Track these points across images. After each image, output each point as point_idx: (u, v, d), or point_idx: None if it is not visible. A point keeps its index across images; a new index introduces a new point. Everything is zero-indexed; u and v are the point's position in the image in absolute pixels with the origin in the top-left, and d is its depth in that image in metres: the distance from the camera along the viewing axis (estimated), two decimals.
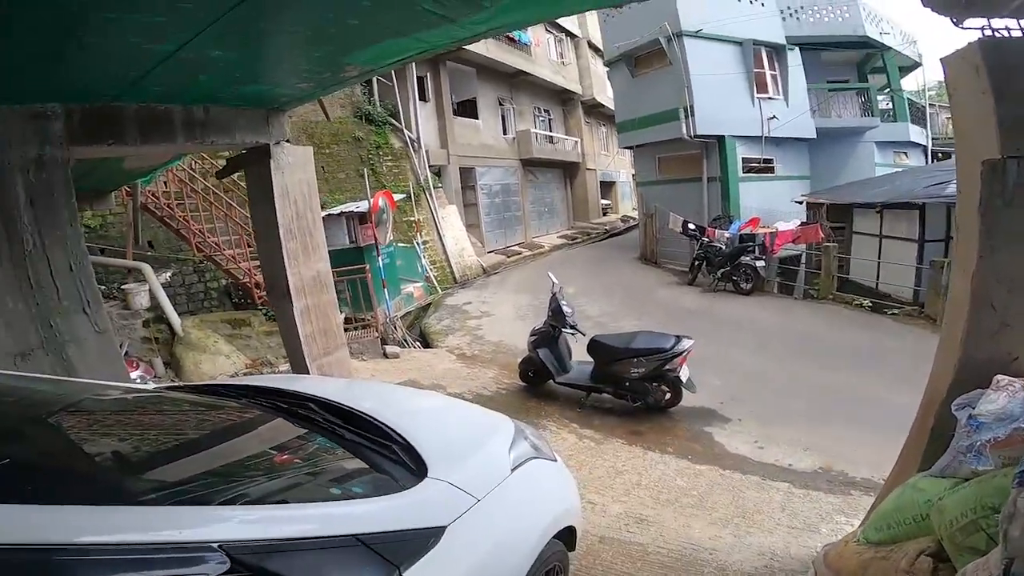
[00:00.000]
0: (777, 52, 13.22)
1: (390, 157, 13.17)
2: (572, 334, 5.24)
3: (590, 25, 21.58)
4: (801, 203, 11.95)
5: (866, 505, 3.13)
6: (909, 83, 18.44)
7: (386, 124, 13.33)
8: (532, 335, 5.47)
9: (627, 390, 4.84)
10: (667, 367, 4.64)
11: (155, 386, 2.28)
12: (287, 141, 3.86)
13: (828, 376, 5.61)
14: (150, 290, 7.14)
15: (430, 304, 10.84)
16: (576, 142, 22.24)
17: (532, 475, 1.88)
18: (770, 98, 13.05)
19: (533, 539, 1.71)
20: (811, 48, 13.59)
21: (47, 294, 2.73)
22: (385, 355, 7.37)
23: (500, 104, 18.29)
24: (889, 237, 9.85)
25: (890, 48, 14.44)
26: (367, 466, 1.62)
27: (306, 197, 4.02)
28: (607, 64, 16.09)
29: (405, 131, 13.52)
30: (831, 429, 4.39)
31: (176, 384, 2.42)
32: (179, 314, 7.27)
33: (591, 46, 22.30)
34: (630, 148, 16.89)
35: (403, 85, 13.50)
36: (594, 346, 5.03)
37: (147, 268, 7.27)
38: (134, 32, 1.96)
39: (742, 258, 9.70)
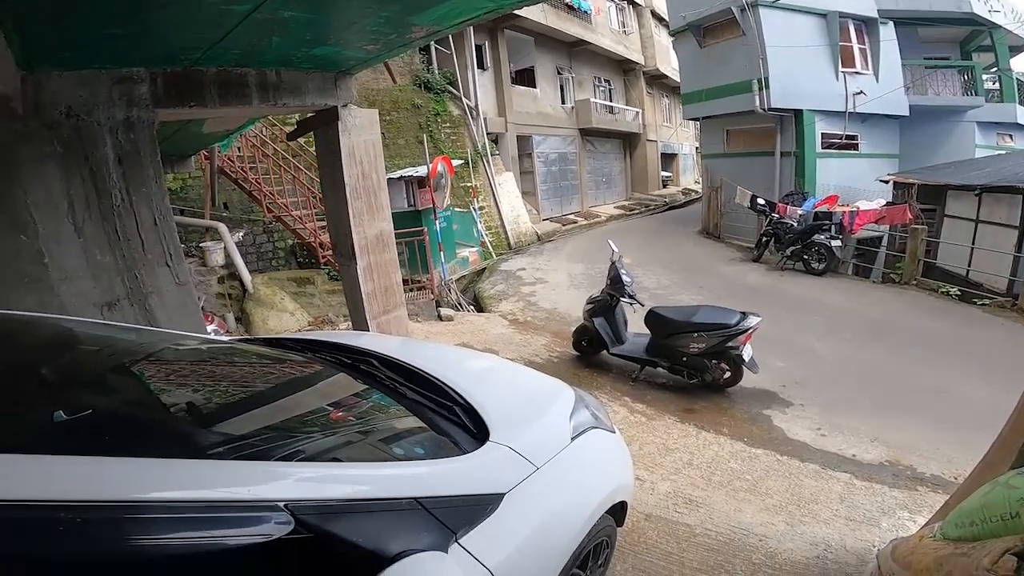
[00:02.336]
0: (867, 25, 12.15)
1: (448, 124, 13.30)
2: (631, 304, 5.06)
3: None
4: (887, 182, 11.03)
5: (932, 502, 3.00)
6: (1019, 64, 16.57)
7: (444, 92, 13.47)
8: (588, 303, 5.37)
9: (684, 366, 4.69)
10: (729, 344, 4.43)
11: (229, 338, 2.38)
12: (355, 104, 3.92)
13: (904, 365, 5.22)
14: (225, 248, 7.57)
15: (484, 269, 10.97)
16: (637, 112, 21.50)
17: (591, 446, 1.82)
18: (857, 72, 12.05)
19: (588, 512, 1.65)
20: (908, 23, 12.36)
21: (133, 247, 2.91)
22: (439, 317, 7.51)
23: (559, 73, 17.99)
24: (986, 222, 8.93)
25: (999, 27, 12.98)
26: (428, 427, 1.59)
27: (371, 158, 4.11)
28: (672, 34, 15.40)
29: (463, 99, 13.55)
30: (902, 421, 4.10)
31: (248, 337, 2.51)
32: (249, 272, 7.68)
33: (655, 15, 21.45)
34: (695, 120, 16.17)
35: (461, 54, 13.55)
36: (653, 318, 4.87)
37: (223, 227, 7.70)
38: None
39: (816, 236, 9.09)
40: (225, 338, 2.39)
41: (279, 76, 3.38)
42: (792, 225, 9.63)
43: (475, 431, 1.57)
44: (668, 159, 25.60)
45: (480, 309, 8.55)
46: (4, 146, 2.49)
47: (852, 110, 11.82)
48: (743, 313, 4.53)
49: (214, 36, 2.51)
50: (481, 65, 14.50)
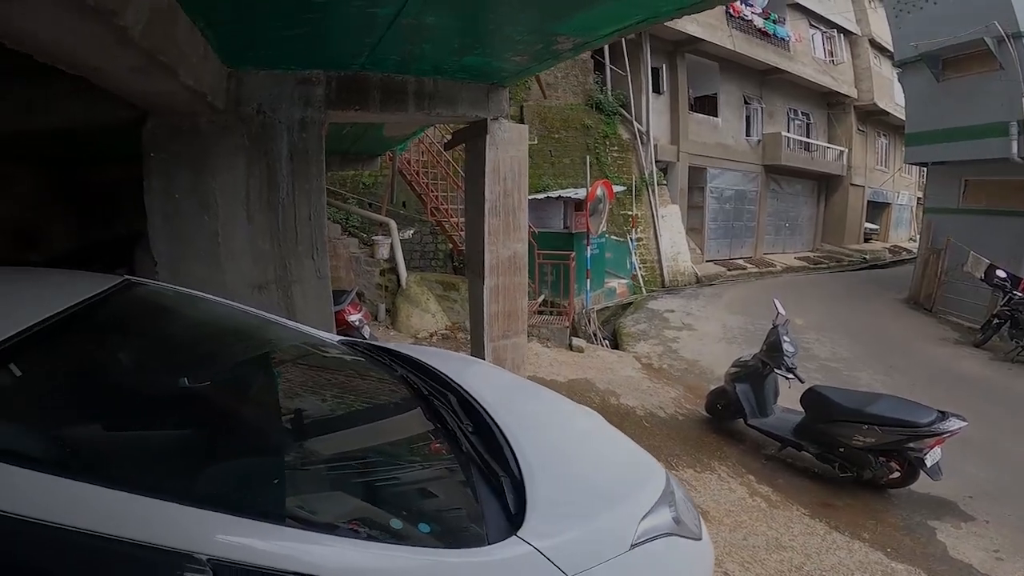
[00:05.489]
0: None
1: (616, 148, 13.04)
2: (788, 378, 4.30)
3: (873, 21, 18.00)
4: None
5: None
6: None
7: (616, 114, 13.25)
8: (734, 367, 4.69)
9: (838, 456, 3.80)
10: (911, 445, 3.49)
11: (339, 339, 2.47)
12: (506, 118, 3.92)
13: None
14: (391, 244, 8.32)
15: (631, 304, 10.50)
16: (842, 152, 18.79)
17: (657, 556, 1.43)
18: None
19: None
20: None
21: (289, 238, 3.21)
22: (570, 346, 7.30)
23: (746, 103, 16.51)
24: None
25: None
26: (468, 492, 1.41)
27: (516, 175, 4.05)
28: (897, 65, 13.03)
29: (635, 123, 13.18)
30: None
31: (355, 340, 2.59)
32: (409, 269, 8.32)
33: (874, 45, 18.65)
34: (921, 165, 13.62)
35: (636, 76, 13.19)
36: (812, 397, 4.06)
37: (392, 224, 8.47)
38: None
39: None
40: (335, 339, 2.47)
41: (435, 85, 3.52)
42: None
43: (511, 512, 1.33)
44: (877, 208, 21.76)
45: (616, 345, 8.16)
46: (205, 135, 2.94)
47: None
48: (941, 412, 3.53)
49: (370, 40, 2.65)
50: (657, 89, 13.98)
